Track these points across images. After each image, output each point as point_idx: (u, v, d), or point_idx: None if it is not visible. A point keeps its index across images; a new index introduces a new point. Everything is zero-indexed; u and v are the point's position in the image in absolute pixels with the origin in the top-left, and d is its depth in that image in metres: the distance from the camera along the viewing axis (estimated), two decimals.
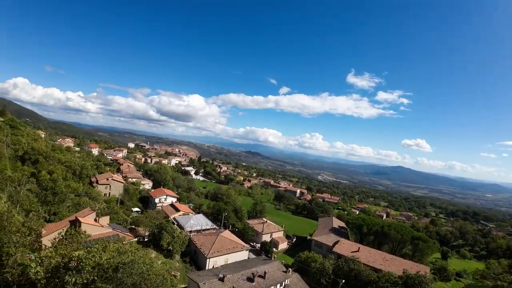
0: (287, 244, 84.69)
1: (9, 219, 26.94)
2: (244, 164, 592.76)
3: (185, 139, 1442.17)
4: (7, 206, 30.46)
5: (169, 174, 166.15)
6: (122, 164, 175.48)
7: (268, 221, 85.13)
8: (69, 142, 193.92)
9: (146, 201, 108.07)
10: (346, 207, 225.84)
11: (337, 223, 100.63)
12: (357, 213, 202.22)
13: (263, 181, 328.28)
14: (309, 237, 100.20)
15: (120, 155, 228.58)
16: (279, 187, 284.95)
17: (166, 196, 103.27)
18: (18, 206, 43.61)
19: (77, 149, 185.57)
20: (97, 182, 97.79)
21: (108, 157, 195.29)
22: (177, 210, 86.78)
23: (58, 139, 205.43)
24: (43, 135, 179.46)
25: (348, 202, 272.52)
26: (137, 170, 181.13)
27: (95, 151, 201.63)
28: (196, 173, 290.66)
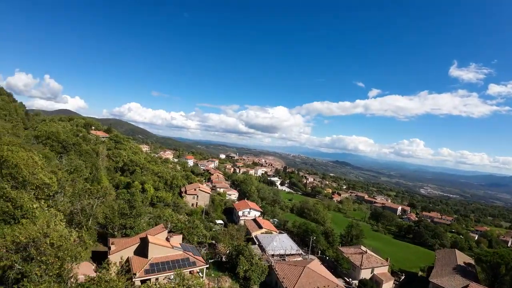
0: (393, 283, 66.28)
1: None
2: (331, 174, 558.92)
3: (271, 149, 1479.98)
4: (63, 225, 28.21)
5: (254, 184, 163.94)
6: (213, 174, 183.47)
7: (368, 251, 68.75)
8: (168, 154, 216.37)
9: (230, 213, 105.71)
10: (461, 230, 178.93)
11: (461, 258, 75.37)
12: (476, 237, 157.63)
13: (355, 195, 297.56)
14: (420, 274, 78.10)
15: (212, 165, 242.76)
16: (374, 202, 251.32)
17: (250, 209, 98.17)
18: (91, 219, 43.79)
19: (175, 160, 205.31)
20: (185, 192, 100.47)
21: (201, 167, 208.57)
22: (260, 226, 79.65)
23: (160, 151, 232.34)
24: (145, 149, 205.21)
25: (463, 223, 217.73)
26: (225, 180, 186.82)
27: (190, 162, 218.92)
28: (281, 184, 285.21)
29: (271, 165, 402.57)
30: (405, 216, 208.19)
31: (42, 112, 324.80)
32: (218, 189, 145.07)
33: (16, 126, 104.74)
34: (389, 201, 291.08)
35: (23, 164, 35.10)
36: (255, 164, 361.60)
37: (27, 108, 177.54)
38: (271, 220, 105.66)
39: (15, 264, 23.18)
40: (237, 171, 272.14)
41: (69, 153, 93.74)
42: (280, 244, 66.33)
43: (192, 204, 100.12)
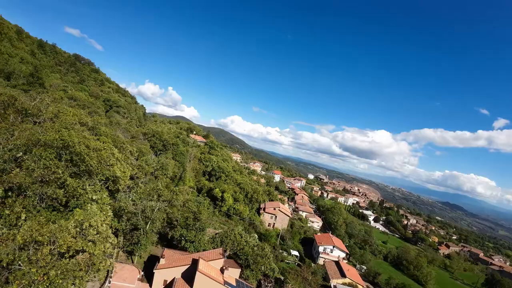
0: None
1: None
2: (439, 218, 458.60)
3: (366, 177, 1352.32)
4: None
5: (343, 215, 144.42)
6: (297, 194, 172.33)
7: None
8: (257, 166, 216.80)
9: (309, 244, 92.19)
10: None
11: None
12: None
13: (468, 251, 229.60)
14: None
15: (298, 184, 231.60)
16: (491, 264, 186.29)
17: (333, 247, 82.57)
18: (149, 223, 39.58)
19: (262, 172, 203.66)
20: (264, 209, 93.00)
21: (286, 184, 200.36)
22: (343, 274, 64.05)
23: (250, 162, 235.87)
24: (237, 158, 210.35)
25: None
26: (310, 203, 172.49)
27: (277, 177, 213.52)
28: (375, 220, 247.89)
29: (365, 195, 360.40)
30: None
31: (162, 116, 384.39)
32: (300, 212, 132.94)
33: (130, 122, 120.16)
34: (507, 263, 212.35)
35: (86, 154, 33.62)
36: (346, 191, 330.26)
37: (151, 112, 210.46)
38: (357, 266, 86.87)
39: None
40: (325, 195, 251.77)
41: (167, 151, 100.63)
42: None
43: (269, 224, 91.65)
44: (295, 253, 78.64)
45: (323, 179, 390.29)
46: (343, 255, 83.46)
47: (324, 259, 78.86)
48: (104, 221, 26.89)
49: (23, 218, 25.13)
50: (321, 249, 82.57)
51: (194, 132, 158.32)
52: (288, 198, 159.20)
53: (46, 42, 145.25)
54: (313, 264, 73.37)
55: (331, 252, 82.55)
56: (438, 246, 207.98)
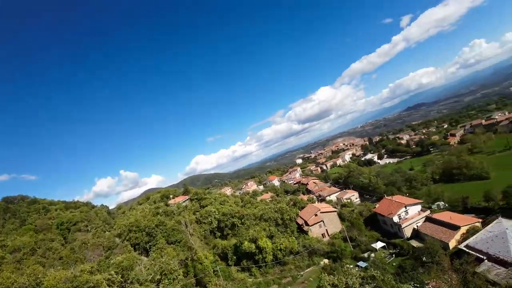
0: None
1: None
2: (414, 123, 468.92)
3: (335, 132, 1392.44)
4: None
5: (362, 171, 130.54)
6: (308, 184, 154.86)
7: None
8: (251, 185, 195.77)
9: (373, 222, 74.36)
10: None
11: None
12: None
13: (469, 127, 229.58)
14: None
15: (297, 175, 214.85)
16: (498, 122, 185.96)
17: (406, 207, 65.49)
18: None
19: (261, 187, 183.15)
20: (306, 224, 73.09)
21: (290, 182, 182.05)
22: (456, 227, 46.90)
23: (243, 186, 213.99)
24: (228, 191, 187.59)
25: None
26: (325, 183, 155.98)
27: (276, 182, 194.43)
28: (379, 158, 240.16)
29: (352, 144, 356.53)
30: None
31: (129, 201, 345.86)
32: (328, 197, 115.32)
33: (96, 233, 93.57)
34: (507, 112, 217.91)
35: None
36: (336, 153, 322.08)
37: (117, 206, 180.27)
38: (437, 204, 71.21)
39: None
40: (326, 167, 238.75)
41: (156, 239, 76.62)
42: None
43: (323, 235, 71.98)
44: (379, 245, 60.03)
45: (310, 156, 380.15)
46: (418, 207, 67.01)
47: (410, 225, 61.75)
48: None
49: None
50: (395, 219, 65.09)
51: (171, 196, 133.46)
52: (302, 193, 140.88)
53: None
54: (417, 243, 55.28)
55: (407, 215, 65.56)
56: (447, 140, 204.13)
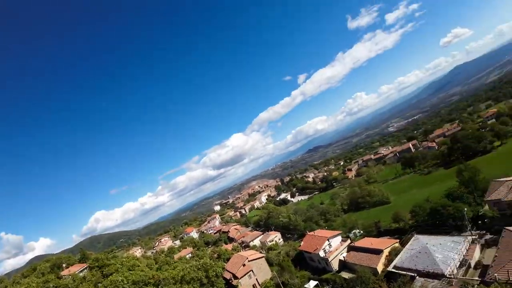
0: None
1: None
2: (315, 162, 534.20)
3: (249, 176, 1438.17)
4: None
5: (282, 212, 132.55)
6: (229, 231, 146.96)
7: None
8: (166, 241, 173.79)
9: (301, 260, 73.00)
10: None
11: None
12: None
13: (361, 161, 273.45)
14: None
15: (217, 223, 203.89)
16: (386, 155, 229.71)
17: (329, 240, 66.70)
18: None
19: (178, 242, 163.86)
20: (234, 277, 65.55)
21: (210, 232, 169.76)
22: (378, 251, 49.28)
23: (156, 243, 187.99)
24: (138, 252, 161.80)
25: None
26: (246, 227, 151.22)
27: (194, 234, 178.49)
28: (292, 196, 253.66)
29: (267, 186, 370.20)
30: (426, 147, 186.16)
31: (12, 272, 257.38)
32: (251, 243, 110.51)
33: None
34: (392, 148, 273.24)
35: None
36: (253, 195, 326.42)
37: None
38: (353, 234, 75.53)
39: None
40: (245, 211, 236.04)
41: None
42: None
43: (254, 286, 65.56)
44: (311, 284, 57.65)
45: (228, 201, 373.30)
46: (339, 238, 69.43)
47: (336, 257, 62.56)
48: None
49: None
50: (321, 253, 65.16)
51: (64, 265, 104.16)
52: (224, 242, 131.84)
53: None
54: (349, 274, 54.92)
55: (330, 248, 66.75)
56: (345, 174, 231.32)
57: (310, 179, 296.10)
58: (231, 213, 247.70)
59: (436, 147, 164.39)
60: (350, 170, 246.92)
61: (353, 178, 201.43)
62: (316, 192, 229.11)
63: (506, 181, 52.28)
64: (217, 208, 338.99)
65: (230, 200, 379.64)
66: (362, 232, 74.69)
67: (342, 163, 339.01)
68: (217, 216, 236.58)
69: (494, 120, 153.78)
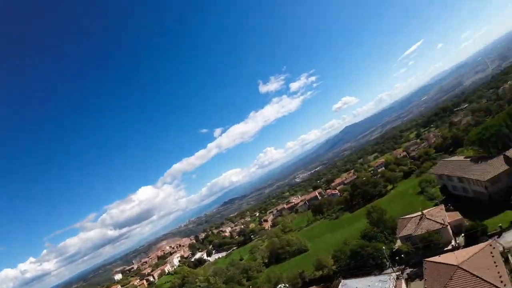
0: None
1: None
2: (231, 215, 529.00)
3: (158, 234, 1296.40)
4: None
5: (199, 275, 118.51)
6: None
7: None
8: None
9: None
10: None
11: None
12: None
13: (276, 212, 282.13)
14: None
15: None
16: (298, 204, 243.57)
17: None
18: None
19: None
20: None
21: None
22: None
23: None
24: None
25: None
26: None
27: None
28: (208, 255, 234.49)
29: (180, 245, 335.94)
30: (330, 194, 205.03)
31: None
32: None
33: None
34: (302, 196, 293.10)
35: None
36: (163, 258, 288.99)
37: None
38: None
39: None
40: (153, 278, 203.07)
41: None
42: None
43: None
44: None
45: (133, 268, 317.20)
46: None
47: None
48: None
49: None
50: None
51: None
52: None
53: None
54: None
55: None
56: (261, 226, 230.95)
57: (227, 234, 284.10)
58: (136, 281, 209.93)
59: (339, 193, 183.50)
60: (266, 221, 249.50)
61: (269, 228, 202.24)
62: (235, 247, 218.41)
63: (412, 217, 59.15)
64: (118, 277, 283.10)
65: (135, 266, 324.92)
66: (287, 285, 70.75)
67: (257, 214, 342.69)
68: (119, 286, 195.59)
69: (383, 168, 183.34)
